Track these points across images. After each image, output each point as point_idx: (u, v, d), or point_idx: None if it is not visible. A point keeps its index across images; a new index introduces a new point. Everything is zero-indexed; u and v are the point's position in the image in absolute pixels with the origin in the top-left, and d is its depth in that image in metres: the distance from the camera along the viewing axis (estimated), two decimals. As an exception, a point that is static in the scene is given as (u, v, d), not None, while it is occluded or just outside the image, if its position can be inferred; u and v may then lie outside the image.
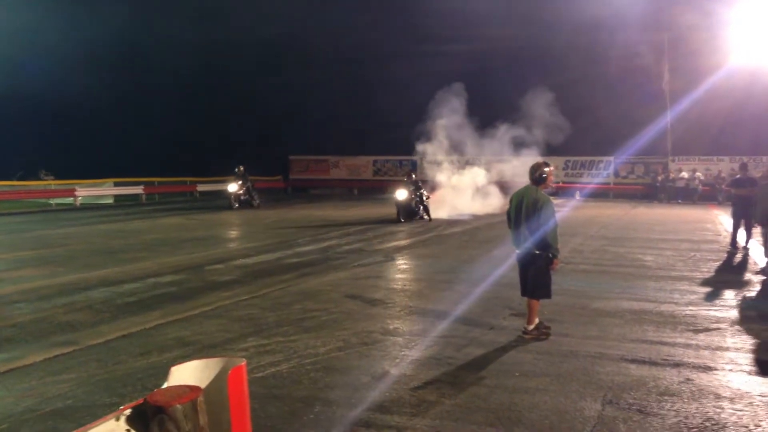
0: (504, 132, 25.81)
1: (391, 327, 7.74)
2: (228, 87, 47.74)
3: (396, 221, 20.79)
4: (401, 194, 21.32)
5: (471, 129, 25.91)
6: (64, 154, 40.53)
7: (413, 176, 22.01)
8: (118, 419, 2.90)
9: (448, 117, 25.40)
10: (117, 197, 32.04)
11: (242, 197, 27.34)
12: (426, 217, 21.68)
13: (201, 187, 36.51)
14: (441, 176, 25.79)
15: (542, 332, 7.29)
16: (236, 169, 27.65)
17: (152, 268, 12.15)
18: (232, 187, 27.33)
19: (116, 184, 32.69)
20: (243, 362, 3.31)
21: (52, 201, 29.89)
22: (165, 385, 3.16)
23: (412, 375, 5.97)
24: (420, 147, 26.47)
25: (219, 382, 3.24)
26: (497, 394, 5.50)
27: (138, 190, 33.05)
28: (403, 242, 16.16)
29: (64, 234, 18.27)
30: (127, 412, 2.94)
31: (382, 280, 11.01)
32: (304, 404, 5.22)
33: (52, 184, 32.16)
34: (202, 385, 3.21)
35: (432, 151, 26.40)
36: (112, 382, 5.83)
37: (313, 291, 10.04)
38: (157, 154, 42.69)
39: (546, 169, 7.31)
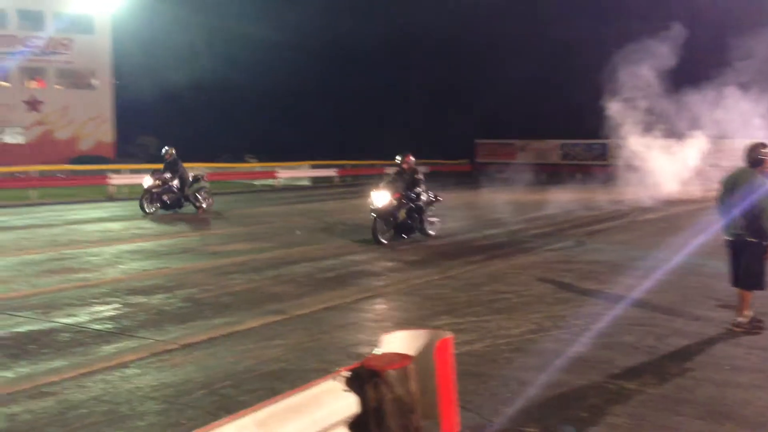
0: (718, 101, 22.48)
1: (585, 312, 7.56)
2: (416, 70, 48.65)
3: (374, 241, 12.80)
4: (380, 197, 12.94)
5: (675, 98, 22.80)
6: (266, 139, 43.55)
7: (410, 165, 13.64)
8: (335, 380, 3.15)
9: (649, 77, 21.26)
10: (313, 179, 33.91)
11: (165, 197, 18.37)
12: (429, 231, 13.80)
13: (389, 170, 37.60)
14: (636, 153, 23.73)
15: (755, 326, 6.75)
16: (163, 151, 19.12)
17: (349, 246, 12.77)
18: (147, 182, 18.55)
19: (312, 167, 34.63)
20: (450, 335, 3.44)
21: (256, 182, 32.29)
22: (377, 352, 3.37)
23: (610, 362, 5.81)
24: (612, 108, 23.26)
25: (427, 352, 3.39)
26: (705, 387, 5.21)
27: (332, 172, 34.74)
28: (596, 227, 15.64)
29: (267, 212, 19.71)
30: (345, 373, 3.18)
31: (573, 264, 10.75)
32: (500, 383, 5.28)
33: (256, 166, 34.78)
34: (410, 354, 3.38)
35: (624, 119, 23.56)
36: (318, 349, 6.26)
37: (503, 273, 10.05)
38: (351, 138, 44.54)
39: (764, 150, 6.73)
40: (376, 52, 48.67)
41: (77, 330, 6.90)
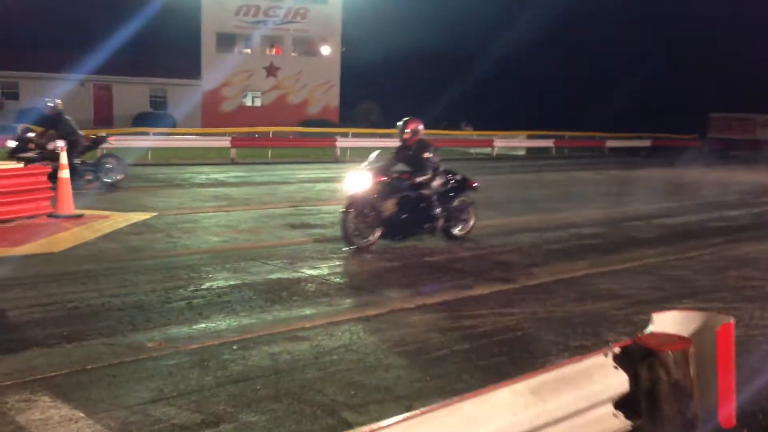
0: None
1: None
2: (646, 40, 45.72)
3: (345, 244, 8.92)
4: (356, 181, 9.03)
5: None
6: (483, 107, 43.51)
7: (415, 137, 9.50)
8: (606, 355, 3.02)
9: None
10: (529, 149, 33.29)
11: (44, 161, 12.37)
12: (453, 231, 9.88)
13: (610, 143, 35.86)
14: None
15: None
16: (42, 104, 14.45)
17: (571, 218, 12.40)
18: (11, 144, 13.64)
19: (529, 137, 33.97)
20: (732, 319, 3.16)
21: (472, 150, 32.38)
22: (648, 331, 3.19)
23: None
24: None
25: (706, 336, 3.15)
26: None
27: (548, 143, 33.86)
28: None
29: (484, 180, 19.63)
30: (616, 350, 3.04)
31: (837, 255, 9.54)
32: (760, 377, 4.82)
33: (474, 134, 34.89)
34: (684, 335, 3.15)
35: None
36: (552, 321, 6.13)
37: (750, 258, 9.18)
38: (567, 108, 43.13)
39: None
40: (603, 18, 46.40)
41: (320, 282, 7.37)
